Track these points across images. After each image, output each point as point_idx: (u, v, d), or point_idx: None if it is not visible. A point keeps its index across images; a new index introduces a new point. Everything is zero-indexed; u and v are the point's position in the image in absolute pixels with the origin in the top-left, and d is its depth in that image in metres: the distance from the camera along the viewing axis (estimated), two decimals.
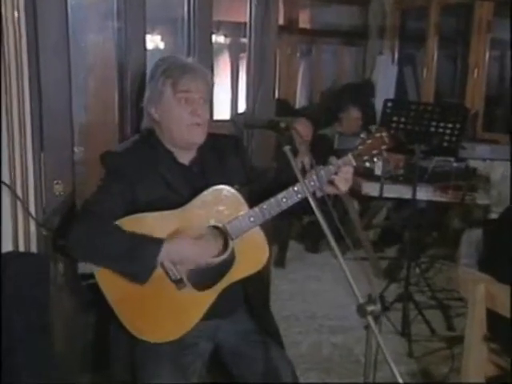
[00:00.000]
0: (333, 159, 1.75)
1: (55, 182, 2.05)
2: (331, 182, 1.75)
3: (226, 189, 1.75)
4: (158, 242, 1.65)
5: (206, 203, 1.73)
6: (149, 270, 1.65)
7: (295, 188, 1.72)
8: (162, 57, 1.87)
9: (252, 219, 1.73)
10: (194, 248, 1.69)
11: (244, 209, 1.74)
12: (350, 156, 1.76)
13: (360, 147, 1.76)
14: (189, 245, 1.69)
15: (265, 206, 1.72)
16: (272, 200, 1.72)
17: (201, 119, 1.77)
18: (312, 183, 1.73)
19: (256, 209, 1.73)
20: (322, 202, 1.69)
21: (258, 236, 1.77)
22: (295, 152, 4.35)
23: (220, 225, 1.74)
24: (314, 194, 1.72)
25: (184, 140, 1.79)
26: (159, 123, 1.81)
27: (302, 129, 4.57)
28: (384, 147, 1.77)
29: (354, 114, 4.83)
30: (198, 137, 1.80)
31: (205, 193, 1.73)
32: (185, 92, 1.75)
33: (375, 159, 1.77)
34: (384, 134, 1.76)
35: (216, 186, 1.74)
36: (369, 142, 1.76)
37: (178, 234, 1.70)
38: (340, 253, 1.44)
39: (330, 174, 1.75)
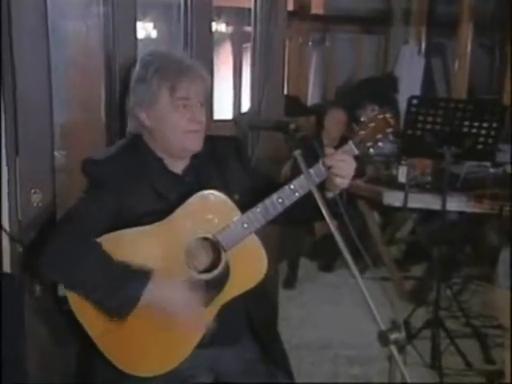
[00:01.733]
0: (329, 149, 1.74)
1: (33, 191, 2.06)
2: (332, 178, 1.73)
3: (212, 194, 1.76)
4: (145, 275, 1.66)
5: (191, 212, 1.74)
6: (130, 305, 1.66)
7: (291, 186, 1.72)
8: (150, 51, 1.88)
9: (246, 226, 1.73)
10: (182, 298, 1.70)
11: (235, 215, 1.75)
12: (350, 143, 1.75)
13: (362, 132, 1.76)
14: (179, 292, 1.70)
15: (258, 210, 1.73)
16: (266, 201, 1.73)
17: (199, 125, 1.80)
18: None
19: (249, 213, 1.73)
20: (333, 204, 1.70)
21: (254, 244, 1.77)
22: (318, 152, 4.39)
23: (210, 235, 1.75)
24: (323, 195, 1.71)
25: (180, 148, 1.81)
26: (151, 130, 1.82)
27: (338, 118, 4.61)
28: (389, 130, 1.77)
29: (373, 113, 4.84)
30: (196, 144, 1.81)
31: (189, 201, 1.74)
32: (184, 98, 1.77)
33: (380, 144, 1.77)
34: (388, 114, 1.77)
35: (201, 191, 1.75)
36: (371, 125, 1.76)
37: (166, 274, 1.70)
38: (358, 272, 1.44)
39: (325, 162, 1.73)
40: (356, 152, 1.75)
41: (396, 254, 4.87)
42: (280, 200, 1.73)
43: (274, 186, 1.77)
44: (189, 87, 1.77)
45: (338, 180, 1.72)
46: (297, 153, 1.61)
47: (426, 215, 4.46)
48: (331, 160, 1.71)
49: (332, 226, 1.49)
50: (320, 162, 1.73)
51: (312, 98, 6.42)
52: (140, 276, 1.66)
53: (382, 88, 6.04)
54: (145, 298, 1.66)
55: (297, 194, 1.72)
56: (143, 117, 1.81)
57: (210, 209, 1.75)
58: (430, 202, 3.79)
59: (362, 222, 4.25)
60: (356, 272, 1.44)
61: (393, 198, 3.91)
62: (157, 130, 1.81)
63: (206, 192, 1.75)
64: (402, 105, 4.86)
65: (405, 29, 6.31)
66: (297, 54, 6.10)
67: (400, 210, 4.27)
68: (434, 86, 6.28)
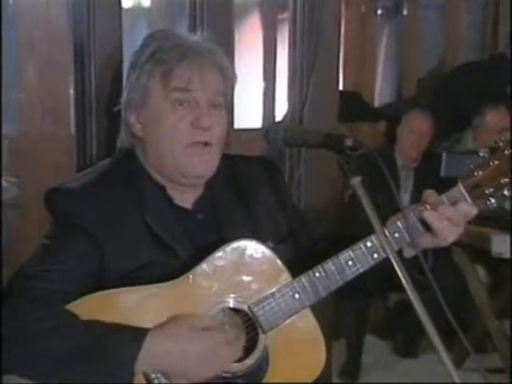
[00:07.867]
0: (429, 194, 1.76)
1: None
2: (428, 228, 1.75)
3: (252, 246, 1.79)
4: (138, 335, 1.67)
5: (219, 270, 1.77)
6: (123, 377, 1.65)
7: (368, 243, 1.74)
8: (156, 31, 1.93)
9: (297, 296, 1.75)
10: (199, 346, 1.70)
11: (283, 279, 1.77)
12: (460, 187, 1.77)
13: (479, 173, 1.77)
14: (191, 340, 1.70)
15: (317, 275, 1.75)
16: (330, 264, 1.75)
17: (209, 135, 1.81)
18: (396, 234, 1.74)
19: (303, 279, 1.75)
20: (415, 267, 1.71)
21: (308, 324, 1.79)
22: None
23: (244, 307, 1.77)
24: (399, 252, 1.74)
25: (181, 170, 1.82)
26: (143, 141, 1.86)
27: (420, 127, 4.63)
28: None
29: (497, 122, 4.74)
30: (205, 165, 1.83)
31: (218, 254, 1.77)
32: (182, 89, 1.79)
33: (506, 192, 1.78)
34: None
35: (236, 241, 1.78)
36: (495, 163, 1.77)
37: (173, 320, 1.72)
38: (452, 360, 1.44)
39: (425, 218, 1.74)
40: (469, 201, 1.76)
41: None
42: (351, 263, 1.74)
43: (321, 229, 1.79)
44: (191, 75, 1.78)
45: (434, 241, 1.75)
46: (355, 181, 1.64)
47: None
48: (431, 215, 1.72)
49: (410, 290, 1.50)
50: (411, 211, 1.74)
51: (381, 95, 6.41)
52: (133, 334, 1.66)
53: (488, 78, 6.03)
54: (143, 363, 1.65)
55: (376, 256, 1.74)
56: (132, 121, 1.85)
57: (247, 267, 1.78)
58: None
59: (458, 283, 4.23)
60: (448, 360, 1.45)
61: (506, 246, 3.90)
62: (149, 142, 1.84)
63: (242, 242, 1.78)
64: None
65: None
66: (358, 29, 6.13)
67: None
68: None
